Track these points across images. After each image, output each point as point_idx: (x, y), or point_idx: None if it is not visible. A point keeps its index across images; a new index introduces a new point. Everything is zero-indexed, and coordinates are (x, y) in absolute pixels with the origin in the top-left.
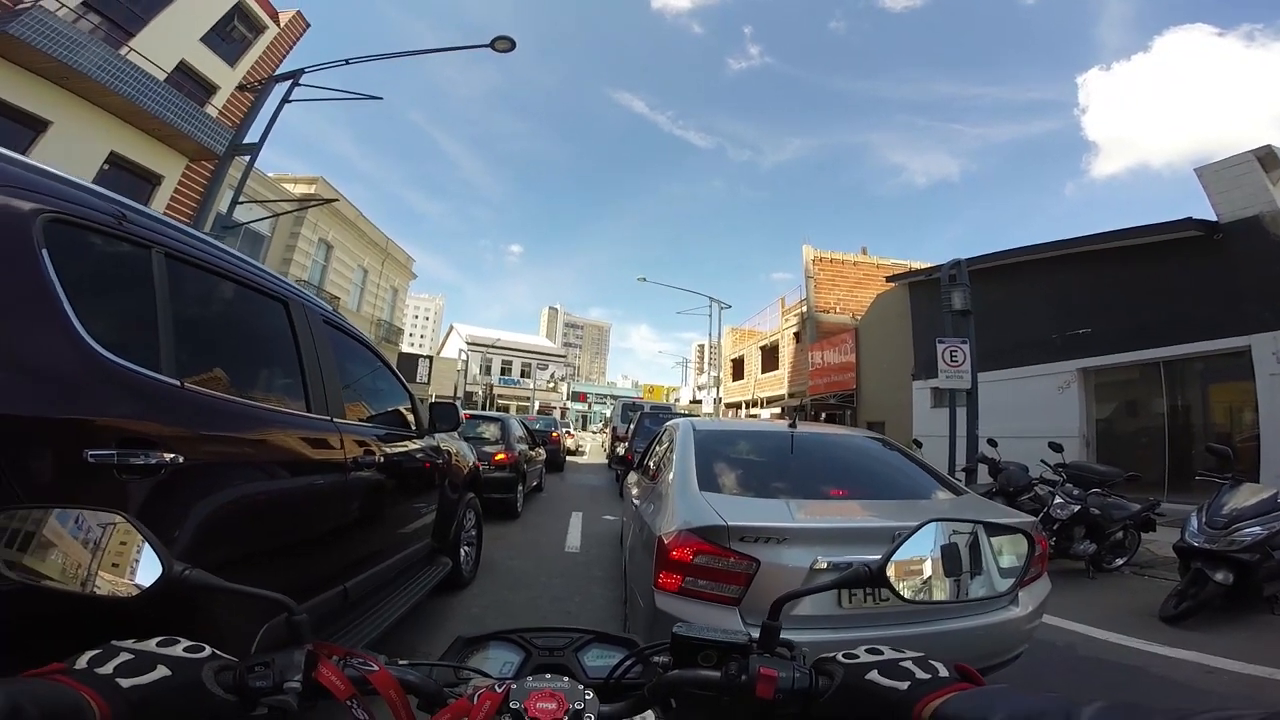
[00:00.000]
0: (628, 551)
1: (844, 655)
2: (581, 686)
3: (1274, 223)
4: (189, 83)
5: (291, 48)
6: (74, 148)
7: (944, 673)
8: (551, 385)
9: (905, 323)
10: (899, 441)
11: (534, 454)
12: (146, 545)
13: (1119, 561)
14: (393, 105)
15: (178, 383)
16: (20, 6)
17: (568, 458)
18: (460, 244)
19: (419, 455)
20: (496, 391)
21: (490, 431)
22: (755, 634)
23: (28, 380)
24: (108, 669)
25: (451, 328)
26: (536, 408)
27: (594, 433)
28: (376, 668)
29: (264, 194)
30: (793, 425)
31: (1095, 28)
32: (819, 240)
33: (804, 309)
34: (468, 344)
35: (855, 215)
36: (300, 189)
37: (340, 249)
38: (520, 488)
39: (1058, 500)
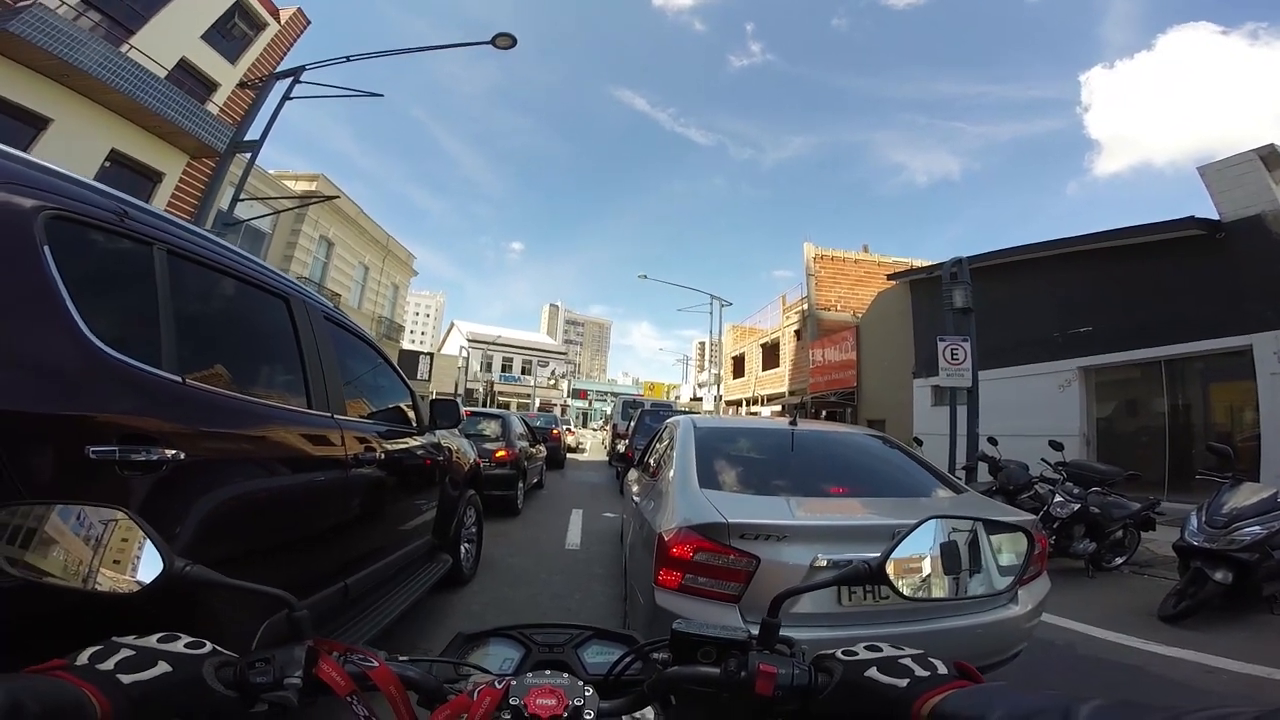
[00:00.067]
0: (628, 548)
1: (843, 652)
2: (581, 683)
3: (1276, 222)
4: (190, 80)
5: (292, 45)
6: (75, 145)
7: (943, 670)
8: (552, 382)
9: (906, 321)
10: (899, 439)
11: (534, 451)
12: (148, 541)
13: (1118, 560)
14: (394, 102)
15: (179, 379)
16: (21, 4)
17: (568, 455)
18: (461, 241)
19: (420, 452)
20: (497, 388)
21: (491, 429)
22: (755, 631)
23: (30, 376)
24: (109, 665)
25: (452, 325)
26: (537, 405)
27: (594, 430)
28: (377, 664)
29: (265, 191)
30: (793, 423)
31: (1099, 26)
32: (820, 238)
33: (805, 306)
34: (468, 341)
35: (857, 213)
36: (301, 186)
37: (341, 246)
38: (521, 485)
39: (1058, 499)
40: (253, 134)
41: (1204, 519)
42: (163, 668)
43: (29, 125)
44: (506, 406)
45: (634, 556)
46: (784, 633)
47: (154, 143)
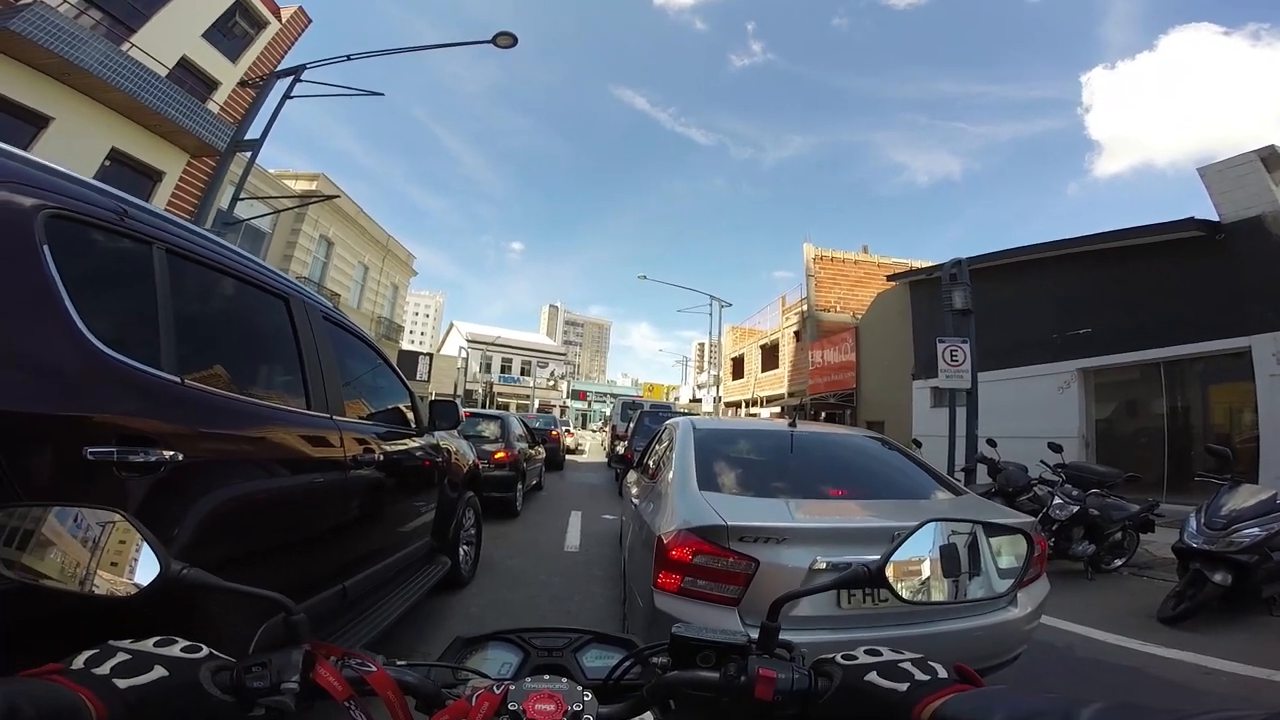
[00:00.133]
0: (627, 551)
1: (843, 657)
2: (580, 687)
3: (1276, 223)
4: (190, 79)
5: (293, 44)
6: (75, 144)
7: (943, 674)
8: (551, 383)
9: (905, 322)
10: (898, 441)
11: (533, 452)
12: (145, 544)
13: (1118, 562)
14: (394, 101)
15: (178, 379)
16: (22, 3)
17: (567, 456)
18: (461, 241)
19: (419, 453)
20: (496, 389)
21: (490, 430)
22: (754, 635)
23: (28, 377)
24: (105, 669)
25: (452, 325)
26: (536, 406)
27: (594, 431)
28: (374, 668)
29: (265, 190)
30: (792, 424)
31: (1100, 26)
32: (820, 238)
33: (804, 308)
34: (468, 341)
35: (857, 214)
36: (301, 185)
37: (341, 246)
38: (520, 486)
39: (1057, 501)
40: (253, 133)
41: (1203, 521)
42: (159, 672)
43: (30, 124)
44: (505, 407)
45: (633, 559)
46: (783, 636)
47: (154, 141)
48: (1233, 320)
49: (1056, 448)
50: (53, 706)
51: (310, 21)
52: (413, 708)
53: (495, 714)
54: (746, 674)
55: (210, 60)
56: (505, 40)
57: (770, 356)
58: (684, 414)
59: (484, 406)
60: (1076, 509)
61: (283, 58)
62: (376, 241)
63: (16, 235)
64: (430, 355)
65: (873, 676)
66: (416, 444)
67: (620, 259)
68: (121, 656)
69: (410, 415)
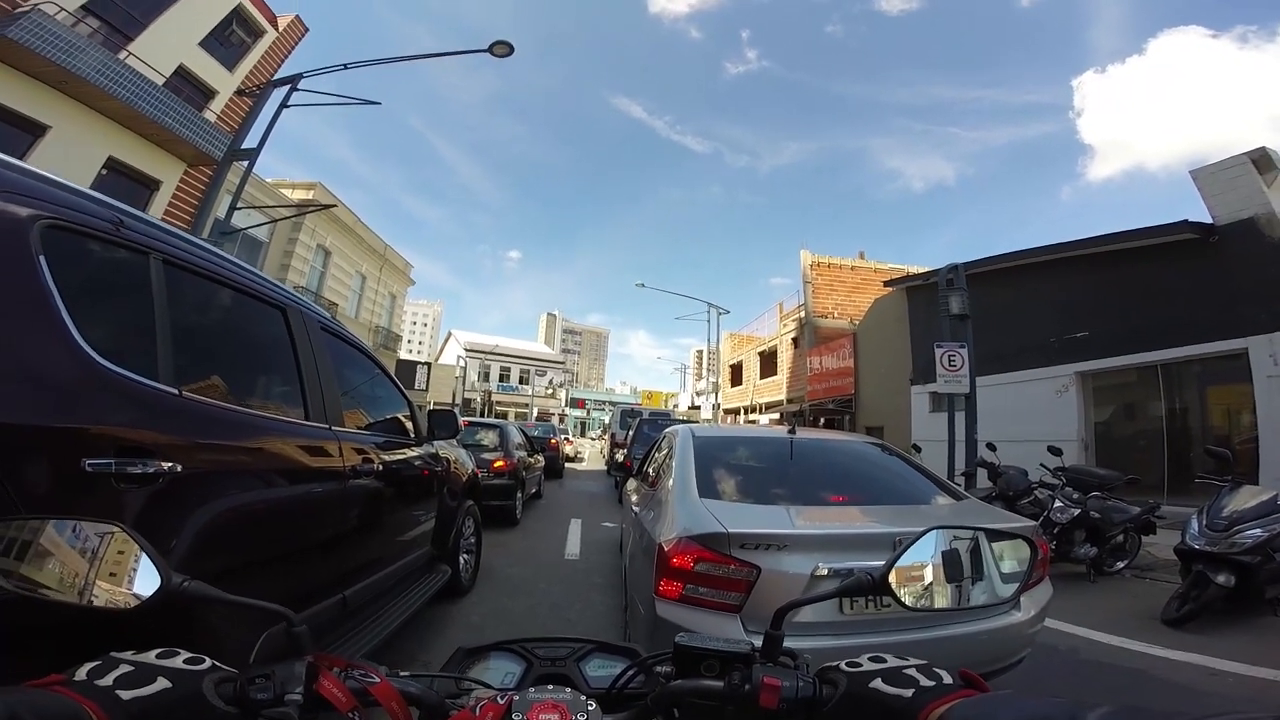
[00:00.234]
0: (628, 559)
1: (847, 664)
2: (584, 697)
3: (1269, 225)
4: (187, 87)
5: (290, 52)
6: (72, 152)
7: (948, 680)
8: (550, 392)
9: (903, 327)
10: (898, 446)
11: (533, 461)
12: (144, 556)
13: (1120, 565)
14: (391, 110)
15: (175, 391)
16: (19, 10)
17: (566, 465)
18: (459, 249)
19: (418, 463)
20: (495, 398)
21: (489, 438)
22: (757, 642)
23: (25, 388)
24: (107, 681)
25: (450, 334)
26: (535, 414)
27: (593, 439)
28: (378, 679)
29: (262, 199)
30: (792, 431)
31: (1090, 30)
32: (817, 245)
33: (802, 314)
34: (466, 350)
35: (853, 219)
36: (298, 194)
37: (338, 255)
38: (519, 495)
39: (1057, 504)
40: (250, 142)
41: (1204, 522)
42: (162, 684)
43: (27, 132)
44: (504, 416)
45: (634, 566)
46: (786, 642)
47: (151, 150)
48: (1229, 322)
49: (1056, 451)
50: (57, 717)
51: (307, 30)
52: (416, 719)
53: None
54: (751, 682)
55: (207, 69)
56: (502, 49)
57: (769, 363)
58: (683, 421)
59: (482, 415)
60: (1077, 512)
61: (279, 66)
62: (374, 251)
63: (13, 246)
64: (428, 364)
65: (877, 683)
66: (415, 453)
67: (617, 267)
68: (124, 668)
69: (409, 425)
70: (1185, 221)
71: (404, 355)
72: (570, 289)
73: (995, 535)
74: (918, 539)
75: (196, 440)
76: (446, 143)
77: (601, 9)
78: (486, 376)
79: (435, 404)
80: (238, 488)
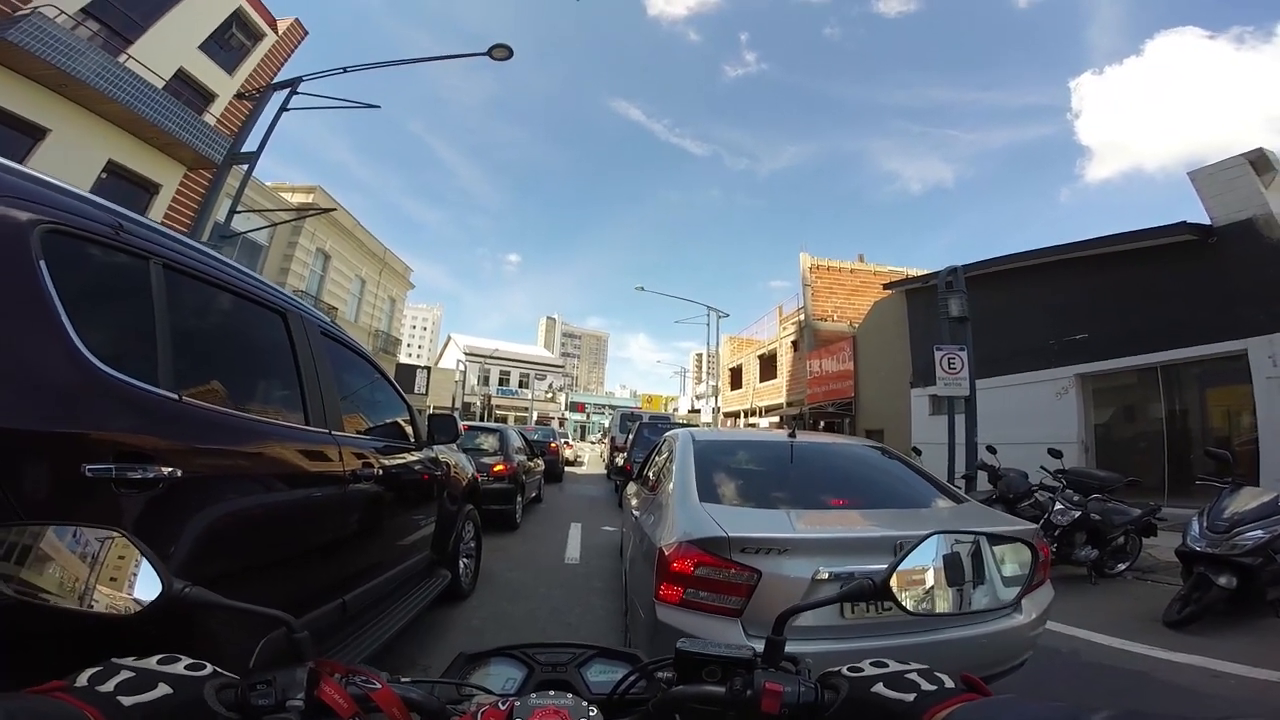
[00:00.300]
0: (628, 563)
1: (849, 669)
2: (585, 703)
3: (1267, 226)
4: (187, 90)
5: (290, 55)
6: (72, 156)
7: (950, 684)
8: (550, 395)
9: (903, 330)
10: (898, 449)
11: (532, 465)
12: (145, 562)
13: (1121, 567)
14: (391, 114)
15: (175, 396)
16: (19, 13)
17: (566, 468)
18: (458, 253)
19: (417, 467)
20: (494, 402)
21: (489, 443)
22: (758, 647)
23: (25, 394)
24: (109, 687)
25: (449, 338)
26: (535, 418)
27: (593, 443)
28: (379, 685)
29: (262, 203)
30: (792, 434)
31: (1087, 31)
32: (816, 247)
33: (801, 317)
34: (466, 354)
35: (852, 222)
36: (298, 198)
37: (338, 259)
38: (519, 499)
39: (1058, 506)
40: (250, 145)
41: (1206, 524)
42: (163, 690)
43: (27, 135)
44: (504, 420)
45: (634, 571)
46: (787, 647)
47: (151, 154)
48: (1228, 323)
49: (1056, 453)
50: None
51: (306, 34)
52: None
53: None
54: (753, 688)
55: (207, 72)
56: (501, 53)
57: (768, 366)
58: (683, 425)
59: (482, 419)
60: (1078, 514)
61: (279, 70)
62: (373, 254)
63: (13, 250)
64: (428, 368)
65: (879, 688)
66: (415, 458)
67: (617, 270)
68: (125, 674)
69: (409, 429)
70: (1184, 223)
71: (404, 359)
72: (570, 292)
73: (996, 539)
74: (919, 544)
75: (196, 445)
76: (446, 146)
77: (599, 13)
78: (486, 380)
79: (435, 408)
80: (237, 493)
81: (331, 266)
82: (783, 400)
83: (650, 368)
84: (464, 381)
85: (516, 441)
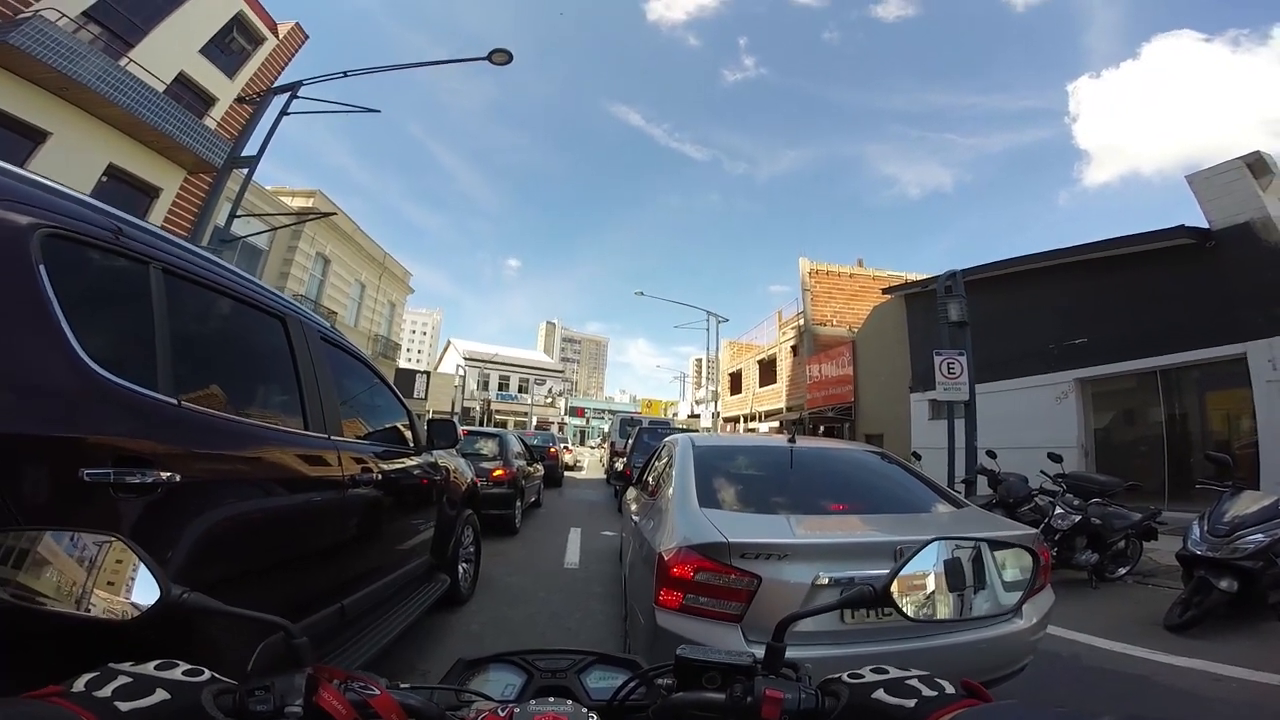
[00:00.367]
0: (627, 568)
1: (849, 675)
2: (585, 709)
3: (1265, 229)
4: (188, 94)
5: (290, 60)
6: (73, 159)
7: (950, 689)
8: (549, 400)
9: (902, 335)
10: (898, 454)
11: (532, 470)
12: (143, 567)
13: (1122, 571)
14: (391, 118)
15: (175, 400)
16: (21, 16)
17: (566, 473)
18: (458, 257)
19: (417, 472)
20: (494, 407)
21: (488, 448)
22: (758, 653)
23: (23, 398)
24: (106, 692)
25: (449, 343)
26: (534, 423)
27: (592, 448)
28: (378, 691)
29: (262, 207)
30: (791, 439)
31: (1084, 34)
32: (815, 252)
33: (801, 322)
34: (465, 359)
35: (851, 226)
36: (298, 202)
37: (338, 263)
38: (518, 504)
39: (1058, 511)
40: (250, 149)
41: (1206, 528)
42: (161, 695)
43: (27, 139)
44: (503, 425)
45: (634, 576)
46: (786, 652)
47: (152, 158)
48: (1227, 327)
49: (1056, 458)
50: None
51: (307, 38)
52: None
53: None
54: (753, 695)
55: (208, 76)
56: (500, 57)
57: (768, 371)
58: (682, 430)
59: (482, 424)
60: (1078, 518)
61: (280, 74)
62: (373, 259)
63: (13, 254)
64: (428, 373)
65: (880, 694)
66: (415, 462)
67: (616, 274)
68: (122, 679)
69: (408, 434)
70: (1182, 226)
71: (403, 364)
72: (570, 296)
73: (997, 544)
74: (920, 550)
75: (195, 450)
76: (446, 150)
77: (599, 18)
78: (486, 385)
79: (434, 413)
80: (236, 497)
81: (331, 271)
82: (782, 405)
83: (650, 373)
84: (463, 386)
85: (516, 446)
